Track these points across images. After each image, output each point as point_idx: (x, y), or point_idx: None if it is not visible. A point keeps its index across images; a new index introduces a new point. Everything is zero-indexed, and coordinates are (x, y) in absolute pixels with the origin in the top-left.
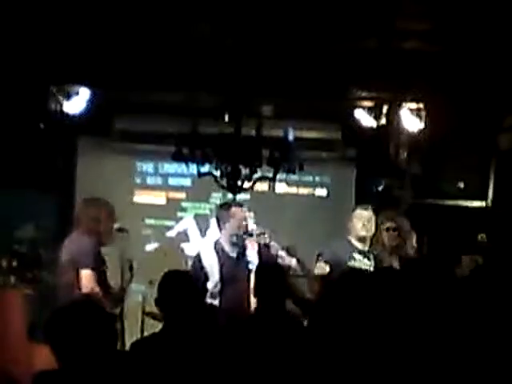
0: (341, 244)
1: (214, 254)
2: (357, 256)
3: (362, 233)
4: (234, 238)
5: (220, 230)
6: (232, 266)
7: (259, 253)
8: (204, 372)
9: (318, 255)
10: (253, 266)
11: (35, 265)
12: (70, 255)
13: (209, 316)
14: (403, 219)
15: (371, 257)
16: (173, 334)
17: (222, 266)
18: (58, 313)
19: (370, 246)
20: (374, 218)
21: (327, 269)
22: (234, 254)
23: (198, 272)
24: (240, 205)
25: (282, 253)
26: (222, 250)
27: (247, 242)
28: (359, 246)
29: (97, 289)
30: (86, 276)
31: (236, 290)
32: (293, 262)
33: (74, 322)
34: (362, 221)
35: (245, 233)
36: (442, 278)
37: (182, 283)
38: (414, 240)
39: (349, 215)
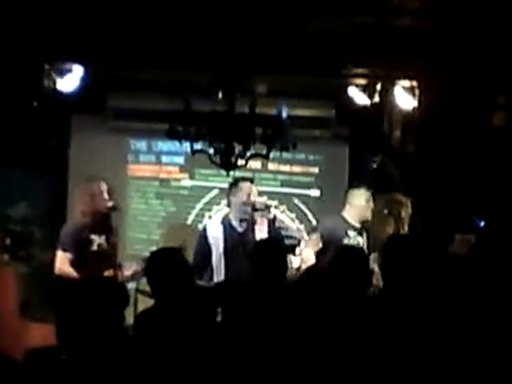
0: (336, 220)
1: (221, 228)
2: (351, 233)
3: (367, 214)
4: (241, 213)
5: (228, 205)
6: (238, 241)
7: (269, 228)
8: (195, 350)
9: (313, 229)
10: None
11: (28, 243)
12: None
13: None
14: (408, 203)
15: (364, 234)
16: (163, 312)
17: (226, 241)
18: (67, 286)
19: (362, 224)
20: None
21: (320, 243)
22: (240, 229)
23: (203, 246)
24: (248, 180)
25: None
26: (230, 225)
27: (256, 217)
28: (354, 223)
29: (68, 270)
30: (59, 258)
31: (241, 265)
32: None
33: (83, 296)
34: (366, 202)
35: (252, 207)
36: (435, 256)
37: (171, 260)
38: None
39: (348, 193)
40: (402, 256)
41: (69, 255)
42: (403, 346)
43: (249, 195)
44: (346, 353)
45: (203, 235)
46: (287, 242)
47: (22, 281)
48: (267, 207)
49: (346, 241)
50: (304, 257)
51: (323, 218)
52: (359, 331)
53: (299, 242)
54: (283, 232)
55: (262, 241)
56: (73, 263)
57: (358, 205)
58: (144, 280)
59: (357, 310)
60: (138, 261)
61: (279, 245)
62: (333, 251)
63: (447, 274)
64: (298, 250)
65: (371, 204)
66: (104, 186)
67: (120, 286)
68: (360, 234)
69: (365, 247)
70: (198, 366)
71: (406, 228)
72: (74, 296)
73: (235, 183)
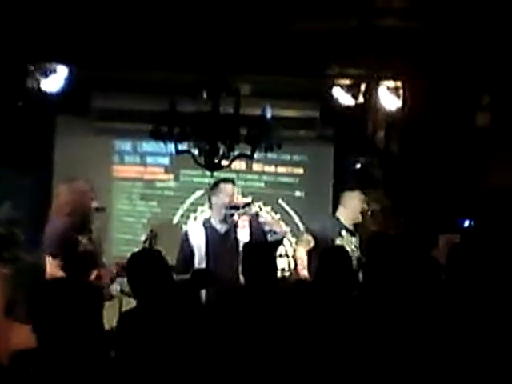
0: (329, 221)
1: (203, 231)
2: (344, 234)
3: (360, 215)
4: (222, 214)
5: (210, 206)
6: (219, 243)
7: (250, 226)
8: (177, 350)
9: (306, 229)
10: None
11: (12, 244)
12: (43, 239)
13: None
14: (387, 201)
15: (357, 235)
16: (143, 313)
17: (208, 243)
18: (43, 287)
19: (355, 226)
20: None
21: (312, 243)
22: (222, 231)
23: (186, 250)
24: (228, 180)
25: (264, 216)
26: (211, 227)
27: (237, 218)
28: (347, 224)
29: (60, 275)
30: (48, 263)
31: (223, 266)
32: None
33: (58, 297)
34: (360, 204)
35: (231, 207)
36: (419, 257)
37: (149, 262)
38: (393, 220)
39: (343, 194)
40: (384, 255)
41: (58, 259)
42: (388, 346)
43: (230, 196)
44: (331, 353)
45: (185, 239)
46: (270, 238)
47: (5, 282)
48: (247, 204)
49: (338, 241)
50: (296, 255)
51: (316, 219)
52: (344, 331)
53: (282, 239)
54: (266, 227)
55: (249, 245)
56: (62, 267)
57: (352, 206)
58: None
59: (341, 311)
60: (121, 261)
61: (267, 248)
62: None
63: (431, 274)
64: (284, 250)
65: (365, 206)
66: (88, 186)
67: (92, 287)
68: (353, 234)
69: (357, 247)
70: (181, 365)
71: (383, 225)
72: (47, 298)
73: (216, 184)
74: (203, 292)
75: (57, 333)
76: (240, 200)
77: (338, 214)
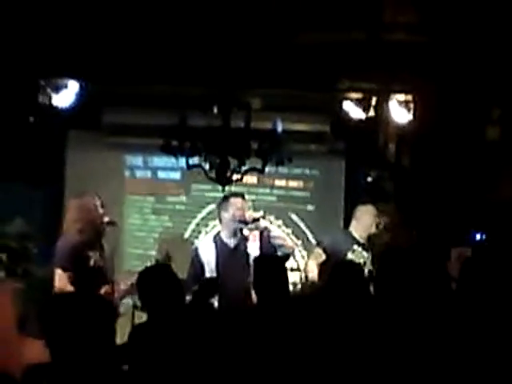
0: (341, 234)
1: (213, 246)
2: (356, 248)
3: (373, 229)
4: (232, 229)
5: (220, 221)
6: (229, 257)
7: (260, 241)
8: (188, 365)
9: (318, 242)
10: (252, 257)
11: (24, 259)
12: (55, 254)
13: (199, 310)
14: (395, 213)
15: (369, 250)
16: (154, 327)
17: (218, 258)
18: (55, 301)
19: (368, 240)
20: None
21: (323, 256)
22: (232, 245)
23: (196, 266)
24: (238, 195)
25: (273, 230)
26: (222, 242)
27: (248, 233)
28: (360, 238)
29: (68, 289)
30: (57, 276)
31: (234, 282)
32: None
33: (70, 311)
34: (373, 218)
35: (240, 221)
36: (432, 270)
37: (160, 277)
38: (405, 234)
39: (356, 209)
40: (396, 269)
41: (68, 273)
42: (400, 359)
43: (239, 210)
44: (343, 366)
45: (195, 255)
46: (280, 251)
47: (18, 297)
48: (256, 220)
49: (350, 255)
50: (307, 269)
51: (328, 232)
52: (356, 344)
53: (293, 251)
54: (276, 241)
55: (260, 259)
56: (72, 281)
57: (365, 221)
58: None
59: (352, 324)
60: (134, 276)
61: (278, 261)
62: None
63: (443, 288)
64: (296, 264)
65: (377, 220)
66: (97, 201)
67: (105, 301)
68: (366, 249)
69: (369, 262)
70: (192, 379)
71: (394, 238)
72: (59, 311)
73: (225, 199)
74: (215, 305)
75: (69, 347)
76: (250, 214)
77: (351, 228)
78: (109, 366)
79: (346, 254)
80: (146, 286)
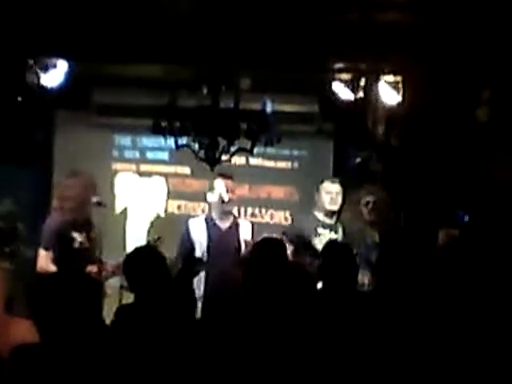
0: (306, 219)
1: (204, 225)
2: (321, 230)
3: (330, 207)
4: (219, 211)
5: (208, 202)
6: (221, 238)
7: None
8: (174, 346)
9: (283, 234)
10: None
11: (13, 239)
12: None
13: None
14: (383, 193)
15: (339, 229)
16: (140, 308)
17: (209, 238)
18: (41, 281)
19: (337, 219)
20: (342, 191)
21: (290, 248)
22: (223, 227)
23: (186, 244)
24: (223, 175)
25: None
26: (213, 223)
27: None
28: (326, 219)
29: (50, 269)
30: (40, 255)
31: (224, 262)
32: None
33: (56, 291)
34: (330, 195)
35: (223, 201)
36: (420, 251)
37: (146, 258)
38: (393, 214)
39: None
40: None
41: (51, 253)
42: (393, 344)
43: (226, 191)
44: (336, 352)
45: (186, 233)
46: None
47: (5, 277)
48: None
49: (315, 239)
50: None
51: (296, 219)
52: (350, 329)
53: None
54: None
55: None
56: (55, 261)
57: (322, 199)
58: None
59: (346, 307)
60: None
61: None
62: (303, 251)
63: (432, 269)
64: None
65: (337, 196)
66: (89, 181)
67: (90, 280)
68: (333, 230)
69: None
70: (177, 362)
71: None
72: (45, 291)
73: (212, 179)
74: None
75: (56, 326)
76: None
77: (313, 210)
78: (95, 345)
79: (309, 239)
80: (132, 268)
